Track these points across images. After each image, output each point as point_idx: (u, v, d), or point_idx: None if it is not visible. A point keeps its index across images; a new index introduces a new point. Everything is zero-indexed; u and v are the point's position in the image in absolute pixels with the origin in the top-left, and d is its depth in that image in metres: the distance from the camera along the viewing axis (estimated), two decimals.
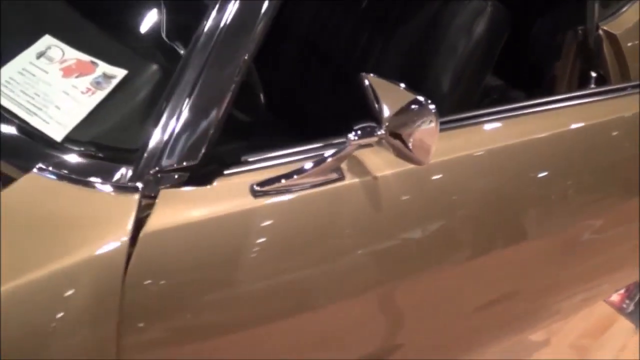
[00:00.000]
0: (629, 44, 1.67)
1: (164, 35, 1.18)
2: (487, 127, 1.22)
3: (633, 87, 1.52)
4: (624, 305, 2.25)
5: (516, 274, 1.40)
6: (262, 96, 1.24)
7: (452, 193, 1.14)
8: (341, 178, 0.99)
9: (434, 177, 1.11)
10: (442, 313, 1.33)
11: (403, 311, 1.25)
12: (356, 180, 1.00)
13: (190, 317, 0.92)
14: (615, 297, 2.27)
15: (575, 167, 1.32)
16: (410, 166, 0.99)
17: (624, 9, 1.76)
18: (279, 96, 1.60)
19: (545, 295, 1.60)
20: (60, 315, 0.82)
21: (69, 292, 0.82)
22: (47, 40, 1.10)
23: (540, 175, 1.27)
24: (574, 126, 1.33)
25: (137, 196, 0.88)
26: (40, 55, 1.08)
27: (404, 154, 0.94)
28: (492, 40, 1.61)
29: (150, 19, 1.23)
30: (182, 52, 1.10)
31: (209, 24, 0.94)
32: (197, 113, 0.92)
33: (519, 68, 1.81)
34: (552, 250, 1.43)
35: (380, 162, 1.03)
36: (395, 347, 1.32)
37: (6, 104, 0.99)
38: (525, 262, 1.38)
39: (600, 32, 1.64)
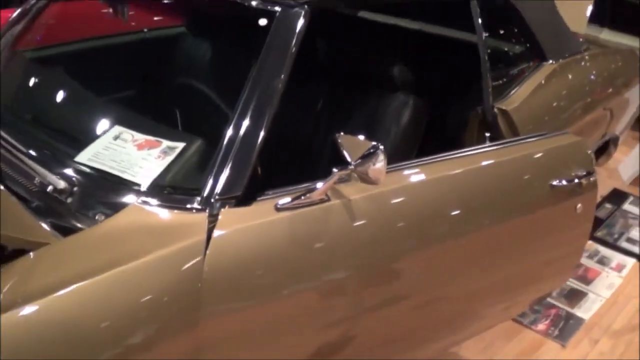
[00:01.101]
0: (512, 109, 2.40)
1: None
2: (420, 168, 1.89)
3: (511, 142, 2.23)
4: (550, 332, 2.89)
5: (445, 281, 2.02)
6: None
7: (398, 209, 1.78)
8: (327, 200, 1.62)
9: (384, 200, 1.75)
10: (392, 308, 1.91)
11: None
12: (337, 201, 1.64)
13: (245, 291, 1.51)
14: (541, 327, 2.92)
15: (477, 195, 1.99)
16: (368, 192, 1.65)
17: (512, 92, 2.54)
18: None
19: (470, 302, 2.20)
20: (170, 287, 1.40)
21: (171, 272, 1.41)
22: (118, 129, 1.74)
23: (456, 197, 1.93)
24: (476, 166, 2.02)
25: (206, 215, 1.50)
26: (116, 138, 1.71)
27: (365, 180, 1.58)
28: (415, 124, 2.34)
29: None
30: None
31: (237, 110, 1.60)
32: (237, 163, 1.55)
33: (441, 137, 2.50)
34: (472, 263, 2.06)
35: (351, 191, 1.67)
36: (350, 338, 1.87)
37: (101, 167, 1.61)
38: (452, 272, 2.01)
39: (495, 110, 2.38)
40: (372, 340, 1.90)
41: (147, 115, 1.88)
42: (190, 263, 1.41)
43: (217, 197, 1.50)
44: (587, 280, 3.26)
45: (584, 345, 2.84)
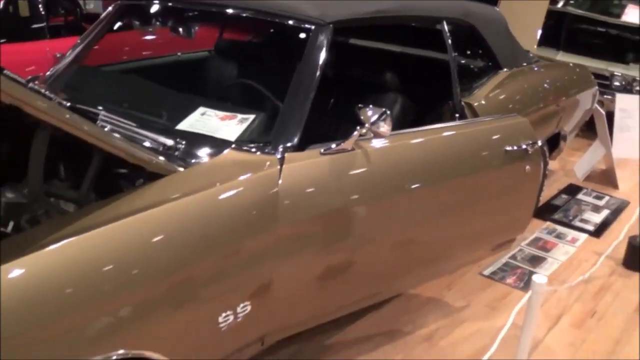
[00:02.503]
0: (477, 105, 3.45)
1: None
2: (409, 135, 2.90)
3: (474, 120, 3.26)
4: (516, 285, 3.89)
5: (424, 223, 2.97)
6: None
7: (394, 160, 2.77)
8: (352, 150, 2.62)
9: (386, 153, 2.76)
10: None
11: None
12: (358, 150, 2.64)
13: (303, 205, 2.47)
14: (509, 281, 3.93)
15: (449, 155, 2.99)
16: (376, 147, 2.66)
17: (475, 91, 3.60)
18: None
19: (444, 243, 3.13)
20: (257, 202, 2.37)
21: (257, 191, 2.38)
22: (202, 109, 2.73)
23: (435, 156, 2.92)
24: (449, 133, 3.04)
25: (277, 156, 2.48)
26: (202, 114, 2.69)
27: (377, 134, 2.58)
28: (403, 115, 3.36)
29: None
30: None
31: (290, 92, 2.60)
32: (293, 125, 2.55)
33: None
34: (445, 210, 3.05)
35: (366, 145, 2.67)
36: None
37: (197, 131, 2.59)
38: (429, 216, 2.97)
39: (463, 103, 3.43)
40: (371, 265, 2.83)
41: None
42: (270, 185, 2.36)
43: (282, 146, 2.49)
44: (546, 249, 4.27)
45: (548, 295, 3.84)
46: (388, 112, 2.49)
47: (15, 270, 1.76)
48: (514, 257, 4.12)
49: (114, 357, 1.94)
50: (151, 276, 2.00)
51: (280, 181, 2.36)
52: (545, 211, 4.79)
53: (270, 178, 2.34)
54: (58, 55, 4.58)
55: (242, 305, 2.29)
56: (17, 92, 1.79)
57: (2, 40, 4.60)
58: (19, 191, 2.27)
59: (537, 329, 3.33)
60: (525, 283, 3.80)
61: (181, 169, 2.27)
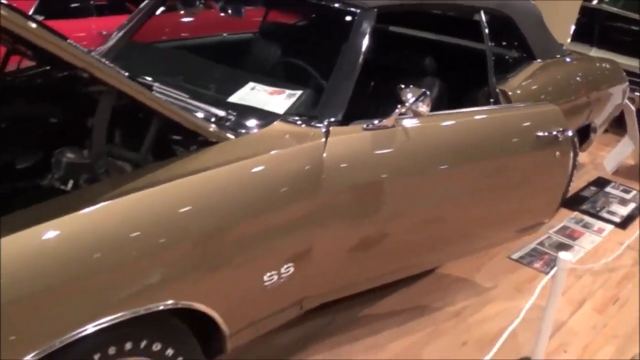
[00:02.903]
0: (511, 94, 3.59)
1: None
2: (446, 116, 3.05)
3: (509, 106, 3.41)
4: (542, 269, 4.04)
5: (457, 201, 3.11)
6: None
7: (431, 139, 2.93)
8: (393, 127, 2.78)
9: (423, 131, 2.91)
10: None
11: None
12: (399, 128, 2.79)
13: (345, 175, 2.63)
14: (536, 266, 4.07)
15: (484, 137, 3.14)
16: (414, 125, 2.81)
17: (509, 79, 3.73)
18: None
19: (473, 222, 3.27)
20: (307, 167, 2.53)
21: (304, 160, 2.54)
22: (252, 84, 2.90)
23: (471, 137, 3.08)
24: (485, 116, 3.19)
25: (322, 129, 2.65)
26: (252, 89, 2.86)
27: (416, 113, 2.74)
28: (440, 98, 3.52)
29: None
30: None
31: (336, 71, 2.76)
32: (338, 101, 2.71)
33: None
34: (479, 189, 3.20)
35: (406, 123, 2.83)
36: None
37: (247, 104, 2.75)
38: (462, 195, 3.12)
39: (498, 90, 3.57)
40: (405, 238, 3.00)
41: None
42: (315, 156, 2.51)
43: (327, 120, 2.64)
44: (573, 238, 4.41)
45: (571, 280, 3.97)
46: (427, 92, 2.64)
47: (79, 221, 1.95)
48: (541, 243, 4.26)
49: (162, 307, 2.12)
50: (203, 233, 2.16)
51: (325, 152, 2.50)
52: (574, 202, 4.91)
53: (315, 149, 2.50)
54: (104, 33, 4.78)
55: (285, 266, 2.45)
56: (89, 59, 2.00)
57: (41, 18, 4.69)
58: (78, 153, 2.45)
59: (561, 312, 3.49)
60: (552, 268, 3.92)
61: (232, 137, 2.43)
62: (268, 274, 2.40)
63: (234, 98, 2.73)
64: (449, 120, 2.97)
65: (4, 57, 2.85)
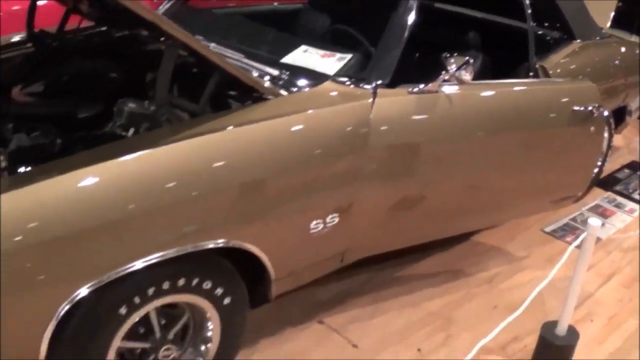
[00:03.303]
0: (551, 71, 3.68)
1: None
2: (488, 85, 3.16)
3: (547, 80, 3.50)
4: (573, 242, 4.13)
5: (496, 168, 3.22)
6: None
7: (471, 106, 3.04)
8: (436, 92, 2.90)
9: (466, 98, 3.02)
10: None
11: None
12: (442, 93, 2.91)
13: (390, 135, 2.75)
14: (568, 239, 4.17)
15: (523, 108, 3.24)
16: (457, 92, 2.92)
17: (550, 56, 3.82)
18: None
19: (509, 190, 3.38)
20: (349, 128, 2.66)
21: (352, 117, 2.67)
22: (304, 47, 3.03)
23: (510, 107, 3.18)
24: (526, 88, 3.29)
25: (370, 90, 2.77)
26: (304, 51, 2.99)
27: (459, 80, 2.85)
28: (483, 70, 3.62)
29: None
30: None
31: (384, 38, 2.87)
32: (386, 65, 2.83)
33: None
34: (517, 159, 3.30)
35: (448, 89, 2.95)
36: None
37: (300, 64, 2.88)
38: (501, 163, 3.23)
39: (537, 66, 3.67)
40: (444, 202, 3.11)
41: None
42: (363, 114, 2.63)
43: (375, 82, 2.76)
44: (605, 216, 4.49)
45: (600, 255, 4.06)
46: (471, 60, 2.74)
47: (139, 161, 2.13)
48: (574, 219, 4.35)
49: (212, 245, 2.27)
50: (255, 180, 2.32)
51: (372, 111, 2.63)
52: (608, 182, 4.99)
53: (364, 108, 2.63)
54: None
55: (330, 216, 2.59)
56: (158, 14, 2.18)
57: None
58: (139, 103, 2.61)
59: (589, 284, 3.59)
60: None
61: (285, 94, 2.57)
62: (315, 221, 2.53)
63: (287, 59, 2.86)
64: (490, 89, 3.07)
65: (63, 16, 3.02)
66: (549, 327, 3.04)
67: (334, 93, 2.64)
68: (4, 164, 2.42)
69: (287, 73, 2.72)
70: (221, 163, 2.25)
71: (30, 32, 3.11)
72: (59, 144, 2.63)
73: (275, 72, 2.72)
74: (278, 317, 3.14)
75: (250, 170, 2.30)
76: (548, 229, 4.17)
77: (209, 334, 2.56)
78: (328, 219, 2.57)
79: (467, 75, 2.73)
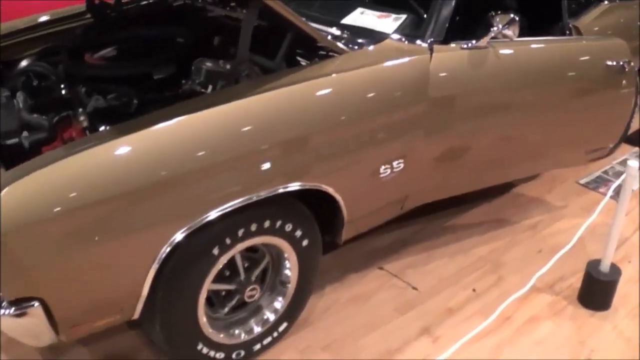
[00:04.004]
0: (583, 30, 3.82)
1: None
2: (529, 42, 3.30)
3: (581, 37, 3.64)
4: (607, 193, 4.29)
5: (535, 120, 3.34)
6: None
7: (514, 60, 3.18)
8: (486, 47, 3.05)
9: (511, 53, 3.17)
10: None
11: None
12: (491, 49, 3.06)
13: (447, 85, 2.89)
14: (602, 190, 4.33)
15: (561, 62, 3.37)
16: (502, 48, 3.06)
17: (581, 17, 3.97)
18: None
19: (547, 142, 3.50)
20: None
21: (412, 70, 2.83)
22: (361, 9, 3.18)
23: (548, 61, 3.31)
24: (561, 44, 3.43)
25: (427, 47, 2.91)
26: (362, 13, 3.14)
27: (506, 36, 2.99)
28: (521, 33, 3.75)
29: None
30: None
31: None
32: (441, 23, 2.98)
33: None
34: (555, 109, 3.44)
35: (497, 45, 3.09)
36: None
37: (359, 24, 3.03)
38: (540, 115, 3.34)
39: (571, 25, 3.81)
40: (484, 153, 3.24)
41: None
42: (422, 68, 2.77)
43: (430, 39, 2.92)
44: None
45: (634, 203, 4.20)
46: (516, 17, 2.89)
47: (221, 113, 2.29)
48: (605, 172, 4.50)
49: (296, 187, 2.44)
50: (331, 125, 2.48)
51: (430, 65, 2.78)
52: (634, 138, 5.11)
53: (422, 62, 2.79)
54: None
55: (397, 161, 2.75)
56: None
57: None
58: (215, 62, 2.77)
59: (625, 229, 3.74)
60: (617, 194, 4.17)
61: (350, 51, 2.73)
62: (384, 166, 2.69)
63: (346, 20, 3.01)
64: (533, 45, 3.21)
65: None
66: (593, 265, 3.21)
67: (395, 50, 2.79)
68: (85, 124, 2.59)
69: (348, 32, 2.85)
70: (302, 112, 2.41)
71: (90, 3, 3.30)
72: (136, 104, 2.77)
73: (337, 32, 2.87)
74: (340, 264, 3.31)
75: (327, 117, 2.47)
76: (582, 181, 4.33)
77: (288, 276, 2.74)
78: (395, 164, 2.73)
79: (511, 31, 2.87)
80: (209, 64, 2.73)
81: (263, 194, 2.33)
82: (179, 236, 2.18)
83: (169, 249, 2.18)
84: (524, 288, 3.17)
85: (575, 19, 3.81)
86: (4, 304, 2.04)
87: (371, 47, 2.78)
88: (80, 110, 2.67)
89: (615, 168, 4.54)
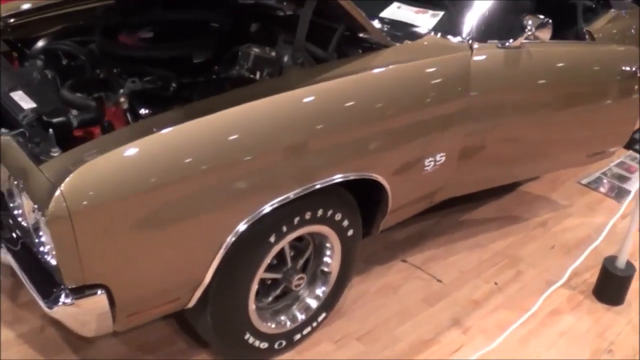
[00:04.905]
0: (596, 35, 3.87)
1: None
2: (555, 45, 3.32)
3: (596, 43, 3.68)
4: (608, 194, 4.35)
5: (549, 121, 3.35)
6: None
7: (542, 60, 3.19)
8: (520, 47, 3.05)
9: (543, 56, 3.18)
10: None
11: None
12: (524, 49, 3.06)
13: (484, 78, 2.89)
14: (602, 190, 4.38)
15: (578, 65, 3.38)
16: (534, 49, 3.07)
17: (595, 21, 4.00)
18: None
19: (557, 141, 3.51)
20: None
21: (454, 65, 2.81)
22: (397, 3, 3.16)
23: (571, 63, 3.31)
24: (580, 48, 3.46)
25: (467, 44, 2.90)
26: (399, 7, 3.12)
27: (538, 37, 2.99)
28: None
29: None
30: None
31: None
32: (479, 22, 2.98)
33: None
34: (573, 107, 3.45)
35: (530, 46, 3.10)
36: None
37: (397, 19, 3.00)
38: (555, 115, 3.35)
39: (585, 30, 3.85)
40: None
41: None
42: (464, 64, 2.76)
43: (470, 36, 2.92)
44: (630, 172, 4.68)
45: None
46: (550, 20, 2.89)
47: (279, 102, 2.22)
48: (604, 173, 4.56)
49: (352, 177, 2.42)
50: (383, 115, 2.46)
51: (471, 62, 2.78)
52: (629, 142, 5.18)
53: (464, 58, 2.78)
54: None
55: (440, 155, 2.74)
56: None
57: None
58: (262, 49, 2.71)
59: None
60: (616, 194, 4.25)
61: (397, 44, 2.70)
62: (428, 159, 2.68)
63: (385, 13, 2.98)
64: (559, 47, 3.23)
65: None
66: (610, 261, 3.25)
67: (440, 45, 2.78)
68: (125, 106, 2.52)
69: (388, 26, 2.83)
70: (362, 102, 2.39)
71: None
72: (174, 87, 2.71)
73: (378, 25, 2.84)
74: (363, 256, 3.28)
75: (383, 108, 2.45)
76: (583, 182, 4.37)
77: (330, 264, 2.71)
78: (438, 157, 2.73)
79: (544, 34, 2.88)
80: (255, 49, 2.67)
81: (321, 183, 2.29)
82: (242, 226, 2.13)
83: (234, 238, 2.13)
84: (561, 280, 3.27)
85: (588, 24, 3.82)
86: (65, 292, 1.93)
87: (417, 42, 2.74)
88: (121, 91, 2.58)
89: (612, 170, 4.62)
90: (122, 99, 2.56)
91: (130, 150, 1.88)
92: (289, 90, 2.23)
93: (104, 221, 1.84)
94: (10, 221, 2.23)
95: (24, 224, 2.11)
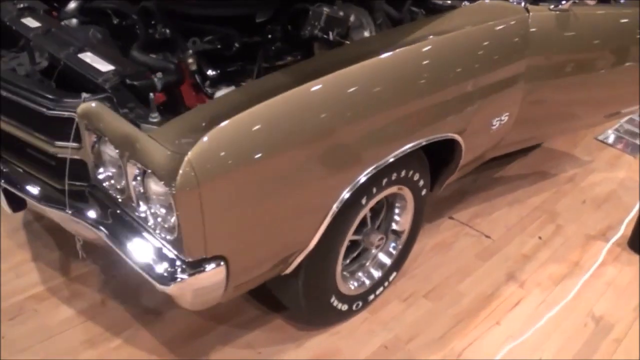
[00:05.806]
0: None
1: None
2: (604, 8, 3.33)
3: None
4: (624, 149, 4.44)
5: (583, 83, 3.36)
6: None
7: (591, 24, 3.22)
8: (568, 11, 3.05)
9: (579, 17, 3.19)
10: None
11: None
12: (572, 12, 3.08)
13: (544, 41, 2.88)
14: (619, 146, 4.47)
15: (606, 28, 3.39)
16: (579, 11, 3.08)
17: None
18: None
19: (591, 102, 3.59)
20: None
21: (514, 29, 2.82)
22: None
23: (600, 28, 3.32)
24: (614, 11, 3.49)
25: (523, 6, 2.89)
26: None
27: (583, 3, 3.01)
28: None
29: None
30: None
31: None
32: None
33: None
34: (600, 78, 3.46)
35: (576, 9, 3.11)
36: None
37: None
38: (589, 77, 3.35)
39: None
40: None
41: None
42: (524, 26, 2.74)
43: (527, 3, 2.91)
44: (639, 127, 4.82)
45: None
46: None
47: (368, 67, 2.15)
48: (617, 129, 4.64)
49: (439, 138, 2.42)
50: (461, 77, 2.43)
51: (529, 24, 2.77)
52: None
53: (524, 20, 2.77)
54: None
55: (504, 114, 2.75)
56: None
57: None
58: (332, 8, 2.63)
59: None
60: (631, 150, 4.33)
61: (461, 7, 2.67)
62: (495, 119, 2.69)
63: None
64: (600, 11, 3.24)
65: None
66: None
67: (498, 7, 2.76)
68: (194, 67, 2.42)
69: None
70: (445, 65, 2.37)
71: None
72: (237, 47, 2.60)
73: None
74: None
75: (462, 71, 2.43)
76: (600, 138, 4.44)
77: (401, 223, 2.73)
78: (503, 117, 2.74)
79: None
80: (326, 9, 2.59)
81: (410, 145, 2.28)
82: (346, 193, 2.10)
83: (340, 205, 2.10)
84: (617, 234, 3.35)
85: None
86: (181, 267, 1.84)
87: (476, 3, 2.72)
88: (190, 52, 2.43)
89: (624, 126, 4.69)
90: (190, 60, 2.44)
91: (256, 115, 1.80)
92: (407, 46, 2.21)
93: (230, 190, 1.77)
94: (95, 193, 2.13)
95: (117, 196, 2.02)
